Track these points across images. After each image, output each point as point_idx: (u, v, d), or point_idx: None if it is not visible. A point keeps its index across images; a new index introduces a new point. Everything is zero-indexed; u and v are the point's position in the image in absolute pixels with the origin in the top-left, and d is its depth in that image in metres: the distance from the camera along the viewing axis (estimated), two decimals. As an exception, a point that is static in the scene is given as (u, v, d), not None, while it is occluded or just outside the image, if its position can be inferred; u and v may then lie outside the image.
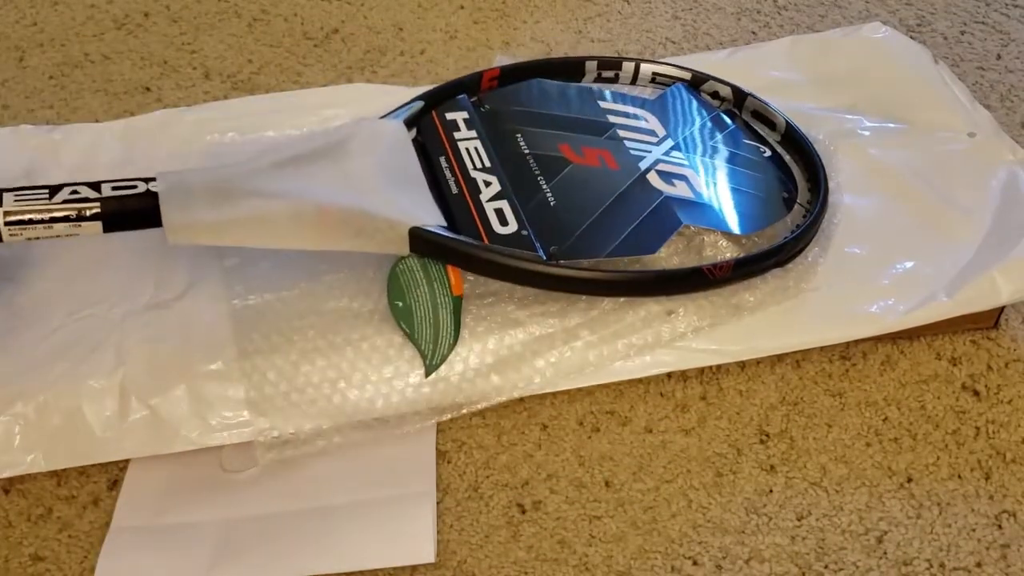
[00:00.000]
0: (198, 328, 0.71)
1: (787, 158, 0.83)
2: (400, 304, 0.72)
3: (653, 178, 0.78)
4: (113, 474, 0.70)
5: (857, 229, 0.78)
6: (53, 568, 0.66)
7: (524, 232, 0.72)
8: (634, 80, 0.89)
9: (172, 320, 0.72)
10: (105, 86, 0.98)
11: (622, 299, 0.72)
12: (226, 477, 0.68)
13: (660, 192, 0.76)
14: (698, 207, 0.76)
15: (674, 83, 0.88)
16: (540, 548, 0.66)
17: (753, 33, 1.02)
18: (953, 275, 0.74)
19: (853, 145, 0.84)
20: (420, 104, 0.81)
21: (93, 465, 0.69)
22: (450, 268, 0.72)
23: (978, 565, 0.65)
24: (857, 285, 0.75)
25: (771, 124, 0.85)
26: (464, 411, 0.70)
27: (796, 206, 0.78)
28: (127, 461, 0.70)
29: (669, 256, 0.75)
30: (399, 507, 0.67)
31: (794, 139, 0.83)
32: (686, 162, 0.80)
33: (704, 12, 1.05)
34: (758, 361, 0.74)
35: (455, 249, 0.70)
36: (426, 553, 0.65)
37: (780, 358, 0.75)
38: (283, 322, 0.71)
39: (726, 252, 0.75)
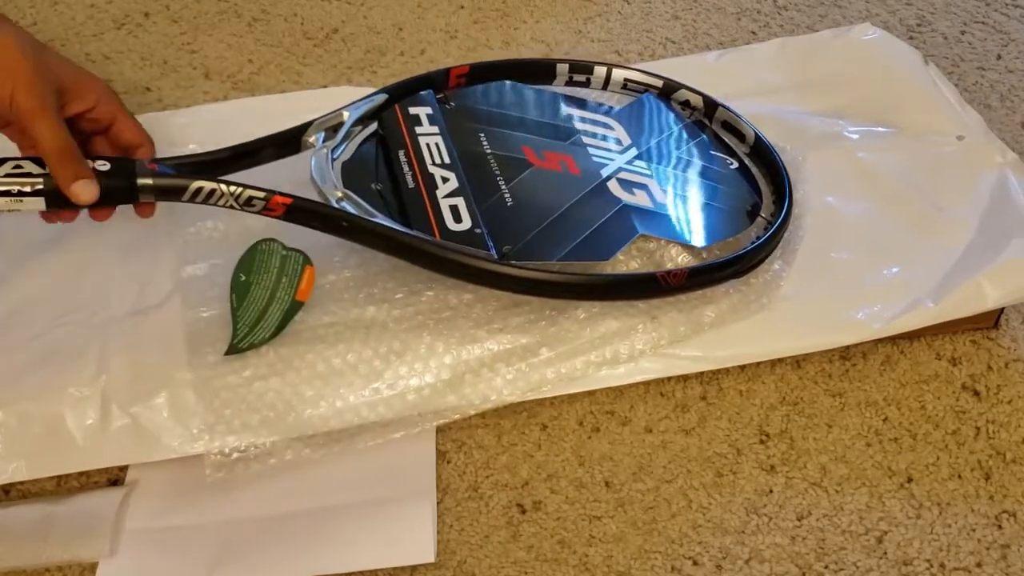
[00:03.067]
0: (180, 335, 0.71)
1: (754, 170, 0.82)
2: (243, 278, 0.72)
3: (613, 186, 0.77)
4: (113, 474, 0.70)
5: (843, 234, 0.78)
6: (54, 569, 0.66)
7: (478, 230, 0.70)
8: (605, 86, 0.88)
9: (154, 327, 0.72)
10: (105, 86, 0.98)
11: (581, 315, 0.71)
12: (227, 479, 0.68)
13: (619, 200, 0.76)
14: (657, 217, 0.76)
15: (646, 91, 0.88)
16: (540, 548, 0.66)
17: (753, 33, 1.02)
18: (939, 280, 0.74)
19: (841, 149, 0.84)
20: (383, 97, 0.80)
21: (93, 465, 0.69)
22: (307, 273, 0.71)
23: (978, 565, 0.65)
24: (843, 291, 0.74)
25: (740, 136, 0.84)
26: (417, 429, 0.69)
27: (759, 219, 0.78)
28: (127, 461, 0.70)
29: (627, 262, 0.74)
30: (399, 507, 0.67)
31: (762, 151, 0.83)
32: (648, 172, 0.80)
33: (704, 12, 1.05)
34: (757, 362, 0.74)
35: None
36: (426, 553, 0.65)
37: (780, 358, 0.75)
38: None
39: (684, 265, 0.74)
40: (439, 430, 0.72)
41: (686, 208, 0.78)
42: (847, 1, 1.05)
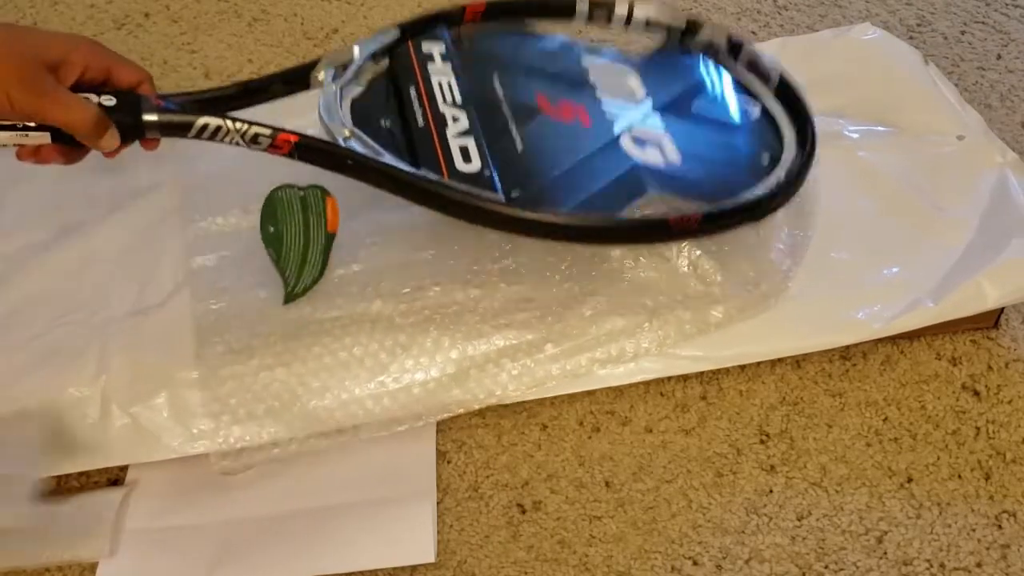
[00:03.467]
0: (180, 335, 0.71)
1: (776, 115, 0.79)
2: (272, 229, 0.72)
3: (626, 142, 0.75)
4: (113, 474, 0.70)
5: (843, 234, 0.77)
6: (54, 569, 0.66)
7: (487, 172, 0.69)
8: (628, 21, 0.83)
9: (154, 327, 0.72)
10: (105, 86, 0.98)
11: (587, 312, 0.71)
12: (227, 479, 0.68)
13: (630, 159, 0.73)
14: (668, 176, 0.73)
15: (668, 31, 0.83)
16: (540, 548, 0.66)
17: (753, 33, 1.02)
18: (939, 280, 0.74)
19: (841, 148, 0.83)
20: (396, 33, 0.78)
21: (93, 465, 0.69)
22: (330, 203, 0.72)
23: (978, 565, 0.65)
24: (843, 291, 0.74)
25: (765, 76, 0.81)
26: (422, 422, 0.69)
27: (777, 169, 0.74)
28: (127, 461, 0.70)
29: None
30: (399, 507, 0.67)
31: (787, 92, 0.80)
32: (662, 127, 0.77)
33: (704, 12, 1.05)
34: (757, 362, 0.74)
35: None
36: (426, 553, 0.65)
37: (780, 358, 0.74)
38: (245, 329, 0.70)
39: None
40: (439, 430, 0.72)
41: (700, 165, 0.75)
42: (847, 1, 1.05)
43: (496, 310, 0.72)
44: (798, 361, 0.75)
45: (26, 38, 0.63)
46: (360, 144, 0.69)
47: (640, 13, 0.84)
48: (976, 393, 0.73)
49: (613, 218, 0.70)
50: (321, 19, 1.05)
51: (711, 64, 0.83)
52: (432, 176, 0.68)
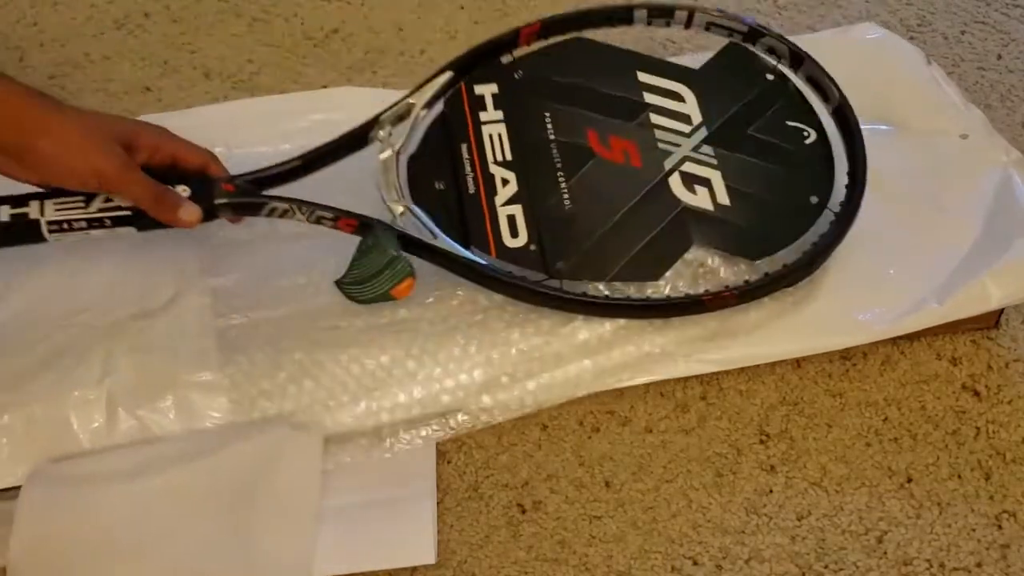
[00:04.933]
0: (185, 338, 0.71)
1: (832, 141, 0.78)
2: (370, 243, 0.71)
3: (675, 182, 0.75)
4: (113, 474, 0.70)
5: (847, 235, 0.77)
6: (53, 568, 0.66)
7: (533, 247, 0.71)
8: (688, 24, 0.81)
9: (159, 330, 0.72)
10: (105, 86, 0.97)
11: (609, 325, 0.72)
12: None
13: (678, 202, 0.74)
14: (714, 224, 0.73)
15: (729, 35, 0.81)
16: (540, 548, 0.66)
17: (753, 33, 1.02)
18: (944, 280, 0.74)
19: None
20: (448, 75, 0.78)
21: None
22: (407, 281, 0.70)
23: (978, 565, 0.65)
24: (847, 292, 0.74)
25: (825, 95, 0.80)
26: (452, 432, 0.70)
27: (826, 211, 0.74)
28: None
29: (673, 279, 0.73)
30: (399, 507, 0.67)
31: (845, 116, 0.77)
32: (714, 161, 0.76)
33: (704, 12, 1.05)
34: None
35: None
36: (426, 553, 0.65)
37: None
38: (269, 344, 0.71)
39: (730, 278, 0.72)
40: (439, 430, 0.72)
41: (747, 209, 0.74)
42: (847, 1, 1.05)
43: (520, 318, 0.72)
44: (798, 361, 0.75)
45: (101, 119, 0.67)
46: (415, 220, 0.71)
47: (700, 18, 0.82)
48: (976, 393, 0.73)
49: (648, 298, 0.72)
50: (321, 19, 1.05)
51: (771, 76, 0.81)
52: (479, 260, 0.70)
